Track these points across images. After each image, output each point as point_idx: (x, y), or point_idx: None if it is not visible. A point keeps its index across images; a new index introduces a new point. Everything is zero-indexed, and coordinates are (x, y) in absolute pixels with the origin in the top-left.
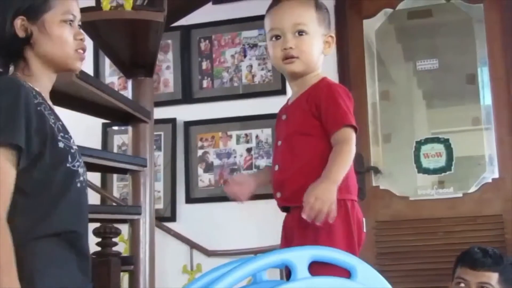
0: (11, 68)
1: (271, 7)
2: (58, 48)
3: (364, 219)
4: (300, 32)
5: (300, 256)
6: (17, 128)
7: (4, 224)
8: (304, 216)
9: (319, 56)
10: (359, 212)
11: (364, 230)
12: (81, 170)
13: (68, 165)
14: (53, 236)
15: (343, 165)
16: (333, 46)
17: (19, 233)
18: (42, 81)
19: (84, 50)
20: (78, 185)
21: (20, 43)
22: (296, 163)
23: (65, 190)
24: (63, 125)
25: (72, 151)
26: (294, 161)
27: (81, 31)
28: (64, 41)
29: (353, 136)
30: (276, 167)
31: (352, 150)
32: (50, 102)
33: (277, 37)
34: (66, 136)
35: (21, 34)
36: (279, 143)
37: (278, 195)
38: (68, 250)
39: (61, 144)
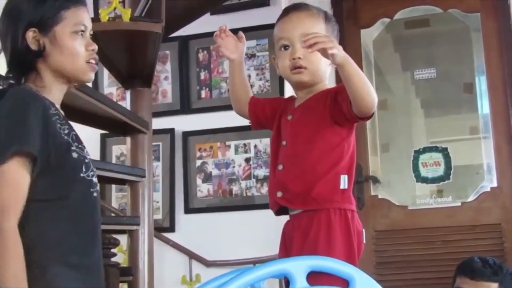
0: (22, 81)
1: (281, 17)
2: (70, 60)
3: (364, 230)
4: None
5: (298, 266)
6: (32, 137)
7: (16, 233)
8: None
9: (326, 67)
10: (359, 224)
11: (364, 242)
12: (95, 180)
13: (82, 175)
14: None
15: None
16: None
17: (31, 241)
18: (54, 93)
19: (96, 60)
20: (95, 194)
21: (33, 56)
22: (302, 166)
23: (82, 200)
24: (76, 135)
25: (86, 161)
26: (300, 164)
27: (93, 42)
28: (76, 53)
29: None
30: (280, 167)
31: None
32: (62, 112)
33: (286, 47)
34: (80, 146)
35: (33, 46)
36: (284, 143)
37: (279, 194)
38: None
39: (75, 154)
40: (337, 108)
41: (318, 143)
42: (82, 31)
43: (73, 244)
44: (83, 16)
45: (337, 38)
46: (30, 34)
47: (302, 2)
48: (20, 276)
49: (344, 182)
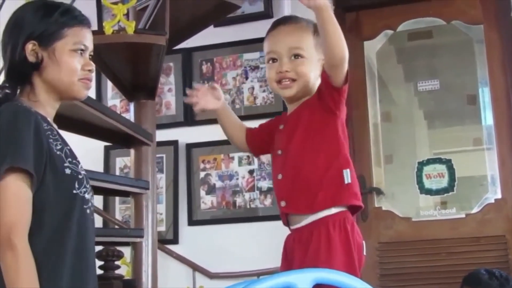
0: (17, 92)
1: (269, 30)
2: (64, 75)
3: (364, 242)
4: (296, 56)
5: (304, 279)
6: (27, 154)
7: (29, 250)
8: None
9: (315, 80)
10: (359, 236)
11: (364, 254)
12: (87, 196)
13: (75, 191)
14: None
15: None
16: None
17: None
18: (47, 108)
19: (90, 80)
20: (88, 211)
21: (29, 68)
22: (301, 171)
23: (70, 216)
24: (70, 150)
25: (80, 176)
26: (298, 169)
27: (91, 62)
28: (71, 69)
29: None
30: (279, 176)
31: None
32: (56, 127)
33: (274, 60)
34: (74, 161)
35: (31, 58)
36: (279, 152)
37: (282, 204)
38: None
39: (68, 171)
40: (322, 92)
41: (311, 142)
42: (82, 50)
43: (64, 262)
44: (85, 37)
45: None
46: (30, 46)
47: (293, 15)
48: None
49: (347, 176)
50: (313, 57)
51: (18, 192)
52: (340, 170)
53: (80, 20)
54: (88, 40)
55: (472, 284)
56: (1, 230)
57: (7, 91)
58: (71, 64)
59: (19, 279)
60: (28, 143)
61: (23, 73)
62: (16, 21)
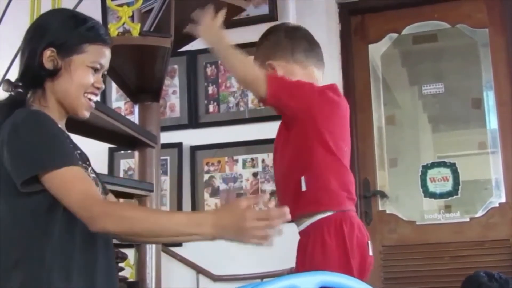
0: (29, 96)
1: None
2: (74, 88)
3: (369, 242)
4: None
5: (309, 282)
6: (68, 150)
7: (115, 204)
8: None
9: None
10: (362, 235)
11: (370, 254)
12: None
13: None
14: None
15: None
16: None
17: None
18: (57, 114)
19: (95, 95)
20: None
21: (45, 74)
22: (277, 185)
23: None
24: (81, 153)
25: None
26: (276, 183)
27: (102, 81)
28: (82, 84)
29: None
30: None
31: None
32: (65, 131)
33: None
34: (84, 165)
35: (48, 65)
36: (273, 168)
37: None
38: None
39: None
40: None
41: (282, 154)
42: (97, 68)
43: (75, 263)
44: (104, 56)
45: (272, 48)
46: (48, 53)
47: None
48: (172, 220)
49: (303, 184)
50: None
51: (74, 174)
52: (299, 178)
53: (102, 39)
54: (105, 59)
55: (472, 286)
56: (81, 209)
57: (20, 90)
58: (83, 79)
59: (155, 224)
60: (62, 139)
61: (37, 77)
62: (40, 25)
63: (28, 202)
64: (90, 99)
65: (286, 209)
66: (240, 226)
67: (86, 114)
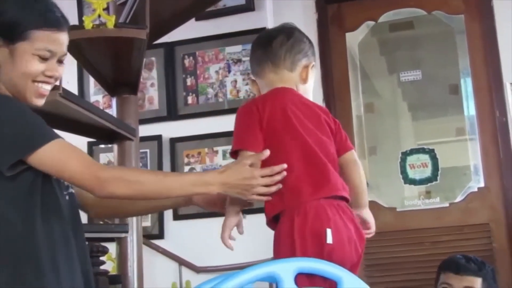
0: None
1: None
2: (18, 77)
3: (329, 230)
4: None
5: (286, 268)
6: (47, 126)
7: (118, 169)
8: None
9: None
10: (321, 224)
11: (329, 241)
12: (66, 183)
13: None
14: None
15: None
16: None
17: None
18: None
19: (48, 83)
20: (67, 197)
21: None
22: None
23: (51, 201)
24: None
25: None
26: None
27: (58, 68)
28: (26, 72)
29: None
30: None
31: None
32: None
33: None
34: None
35: None
36: None
37: None
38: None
39: None
40: None
41: None
42: (45, 57)
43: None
44: (54, 41)
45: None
46: None
47: (267, 35)
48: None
49: None
50: None
51: (62, 146)
52: None
53: (51, 23)
54: (57, 45)
55: (450, 268)
56: (86, 176)
57: None
58: (27, 68)
59: (163, 186)
60: (35, 115)
61: None
62: None
63: (9, 185)
64: (40, 87)
65: (285, 165)
66: (247, 184)
67: (38, 102)
